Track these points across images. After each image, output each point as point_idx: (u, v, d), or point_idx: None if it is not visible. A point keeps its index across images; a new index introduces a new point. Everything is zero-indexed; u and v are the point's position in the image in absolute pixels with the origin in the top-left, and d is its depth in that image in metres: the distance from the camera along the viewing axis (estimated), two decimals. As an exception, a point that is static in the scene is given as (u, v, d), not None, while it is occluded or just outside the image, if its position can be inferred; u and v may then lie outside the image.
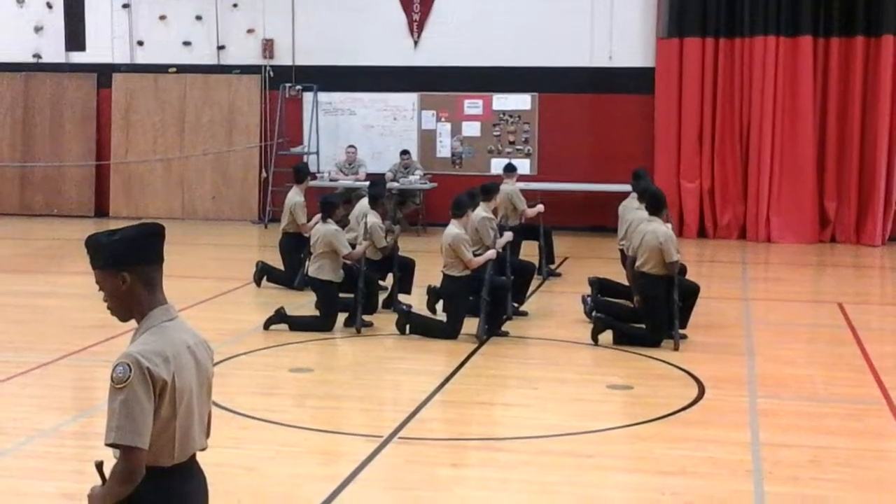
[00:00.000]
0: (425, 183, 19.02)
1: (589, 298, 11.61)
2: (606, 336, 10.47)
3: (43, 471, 6.99)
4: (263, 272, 13.50)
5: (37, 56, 21.32)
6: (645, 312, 10.58)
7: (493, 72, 19.44)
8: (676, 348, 10.21)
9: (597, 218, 18.53)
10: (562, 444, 7.54)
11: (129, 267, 3.62)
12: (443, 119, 19.91)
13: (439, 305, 11.31)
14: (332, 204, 11.52)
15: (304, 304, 12.00)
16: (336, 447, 7.60)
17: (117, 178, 21.04)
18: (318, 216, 11.61)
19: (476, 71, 19.50)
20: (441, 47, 19.59)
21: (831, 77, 18.09)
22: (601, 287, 12.02)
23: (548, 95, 19.41)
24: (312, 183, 16.76)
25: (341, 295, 11.22)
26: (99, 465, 3.63)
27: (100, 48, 20.98)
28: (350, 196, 13.34)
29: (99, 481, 3.60)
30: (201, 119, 20.76)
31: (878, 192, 17.83)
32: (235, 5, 20.43)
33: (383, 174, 18.48)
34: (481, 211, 11.88)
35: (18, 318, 11.90)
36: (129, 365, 3.50)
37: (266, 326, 11.02)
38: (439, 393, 8.87)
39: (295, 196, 13.55)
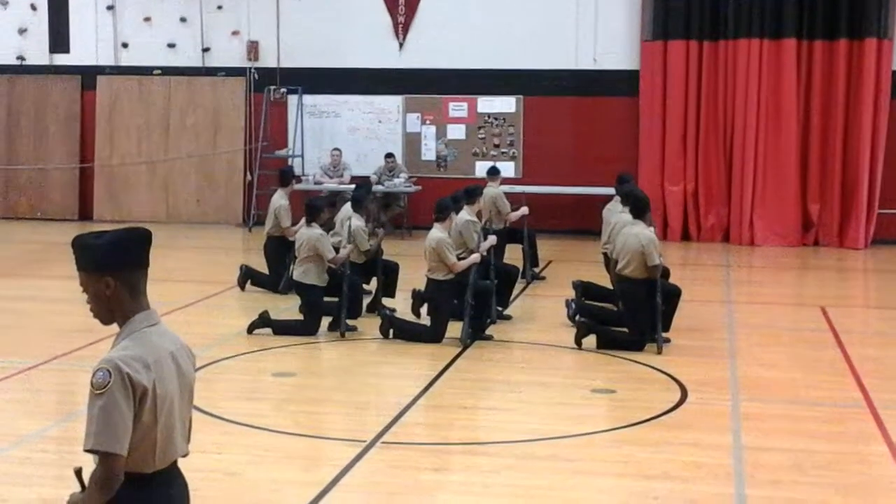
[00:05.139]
0: (410, 186, 19.03)
1: (573, 302, 11.63)
2: (590, 340, 10.49)
3: (24, 476, 6.96)
4: (247, 276, 13.48)
5: (21, 58, 21.25)
6: (627, 316, 10.61)
7: (478, 74, 19.46)
8: (659, 352, 10.24)
9: (581, 221, 18.54)
10: (545, 448, 7.55)
11: (114, 271, 3.61)
12: (428, 122, 19.91)
13: (423, 309, 11.30)
14: (317, 207, 11.50)
15: (287, 307, 11.99)
16: (319, 452, 7.60)
17: (101, 181, 20.98)
18: (303, 220, 11.60)
19: (461, 73, 19.52)
20: (426, 50, 19.60)
21: (814, 80, 18.16)
22: (585, 291, 12.05)
23: (533, 98, 19.43)
24: (297, 186, 16.73)
25: (325, 299, 11.21)
26: (78, 472, 3.62)
27: (84, 50, 20.92)
28: (335, 199, 13.34)
29: (78, 488, 3.60)
30: (186, 121, 20.72)
31: (861, 195, 17.90)
32: (220, 7, 20.40)
33: (368, 177, 18.47)
34: (465, 214, 11.88)
35: (1, 323, 11.85)
36: (109, 371, 3.49)
37: (250, 330, 11.00)
38: (423, 397, 8.87)
39: (279, 199, 13.53)
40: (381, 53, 19.80)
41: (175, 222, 20.36)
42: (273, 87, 20.18)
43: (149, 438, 3.60)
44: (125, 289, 3.64)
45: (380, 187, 18.62)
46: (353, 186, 14.97)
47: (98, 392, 3.47)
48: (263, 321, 11.00)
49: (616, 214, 12.30)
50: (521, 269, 13.44)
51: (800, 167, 18.27)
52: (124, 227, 3.77)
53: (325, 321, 11.16)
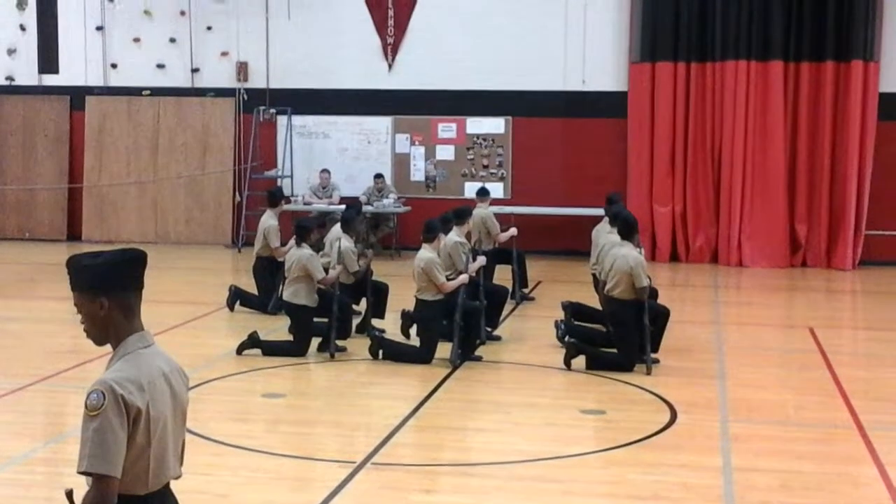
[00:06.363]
0: (399, 206, 19.05)
1: (562, 323, 11.64)
2: (579, 361, 10.50)
3: (13, 498, 6.93)
4: (236, 296, 13.47)
5: (10, 78, 21.25)
6: (616, 337, 10.62)
7: (466, 95, 19.52)
8: (649, 373, 10.26)
9: (570, 242, 18.58)
10: (535, 469, 7.55)
11: (108, 292, 3.62)
12: (417, 142, 19.95)
13: (413, 330, 11.30)
14: (307, 228, 11.51)
15: (277, 328, 11.98)
16: (309, 473, 7.58)
17: (90, 202, 20.95)
18: (293, 240, 11.60)
19: (450, 94, 19.57)
20: (415, 71, 19.66)
21: (802, 101, 18.25)
22: (574, 311, 12.06)
23: (521, 119, 19.49)
24: (286, 207, 16.73)
25: (315, 319, 11.20)
26: (69, 494, 3.62)
27: (73, 71, 20.92)
28: (324, 220, 13.36)
29: (69, 509, 3.59)
30: (175, 142, 20.72)
31: (849, 216, 17.97)
32: (209, 28, 20.43)
33: (357, 198, 18.48)
34: (454, 235, 11.90)
35: (-11, 343, 11.82)
36: (103, 392, 3.49)
37: (239, 351, 10.98)
38: (412, 418, 8.87)
39: (268, 220, 13.54)
40: (371, 74, 19.84)
41: (164, 243, 20.34)
42: (262, 107, 20.21)
43: (142, 460, 3.60)
44: (119, 310, 3.65)
45: (369, 208, 18.64)
46: (342, 207, 14.99)
47: (92, 414, 3.47)
48: (253, 342, 10.98)
49: (605, 235, 12.34)
50: (510, 290, 13.45)
51: (787, 188, 18.35)
52: (119, 248, 3.78)
53: (315, 342, 11.16)
